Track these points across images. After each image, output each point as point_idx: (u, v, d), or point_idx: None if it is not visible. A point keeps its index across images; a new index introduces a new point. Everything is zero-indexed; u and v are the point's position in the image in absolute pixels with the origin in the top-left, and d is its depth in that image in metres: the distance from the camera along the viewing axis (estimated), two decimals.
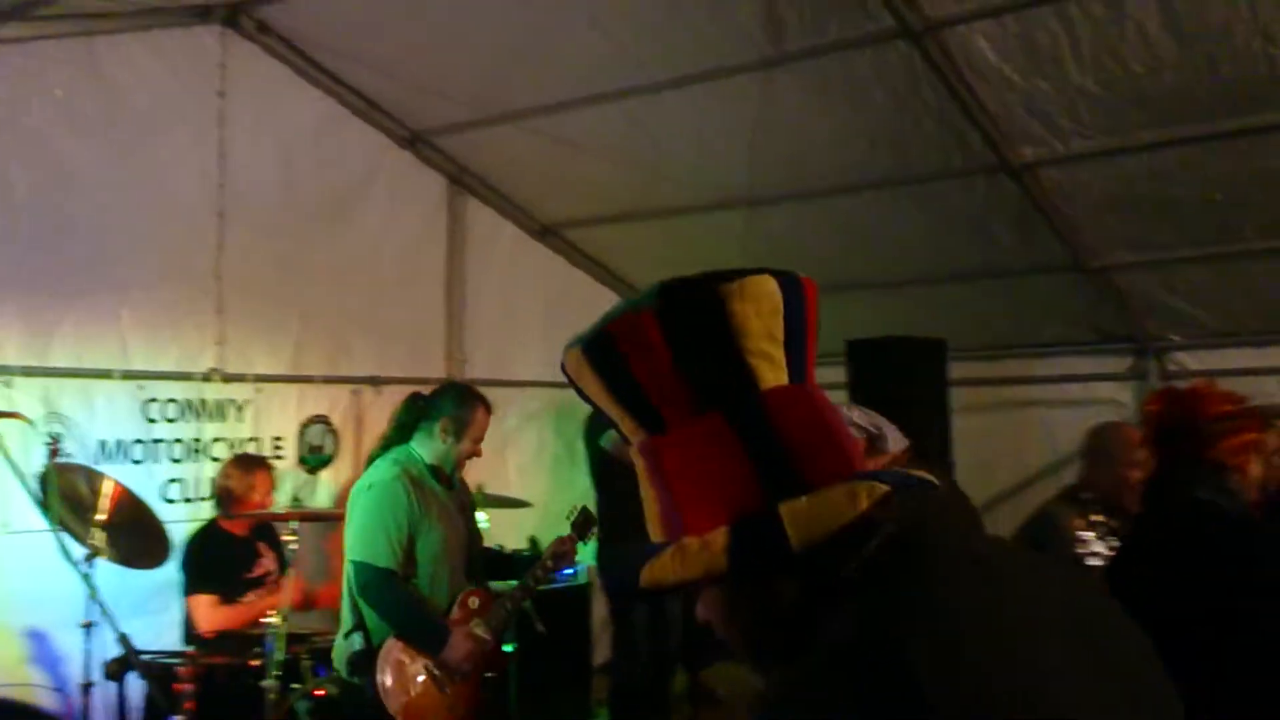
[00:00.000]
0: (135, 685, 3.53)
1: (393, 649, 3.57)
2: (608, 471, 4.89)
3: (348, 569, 3.64)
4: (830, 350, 6.18)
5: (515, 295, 6.42)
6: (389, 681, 3.52)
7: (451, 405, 3.82)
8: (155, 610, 4.30)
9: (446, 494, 3.81)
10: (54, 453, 3.96)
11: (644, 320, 1.04)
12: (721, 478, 1.02)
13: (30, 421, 3.24)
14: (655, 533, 1.09)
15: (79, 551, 3.49)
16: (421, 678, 3.56)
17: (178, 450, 4.68)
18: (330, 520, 5.11)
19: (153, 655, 3.76)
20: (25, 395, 4.01)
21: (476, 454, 3.90)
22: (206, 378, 4.78)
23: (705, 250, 6.32)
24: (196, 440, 4.76)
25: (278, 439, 5.16)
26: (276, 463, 4.99)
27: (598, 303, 6.89)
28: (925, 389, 5.14)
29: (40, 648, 3.96)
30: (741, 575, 1.01)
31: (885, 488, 0.99)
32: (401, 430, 3.84)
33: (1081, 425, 5.83)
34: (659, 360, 1.04)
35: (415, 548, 3.63)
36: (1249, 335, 5.51)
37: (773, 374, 1.04)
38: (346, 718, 3.71)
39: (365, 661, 3.55)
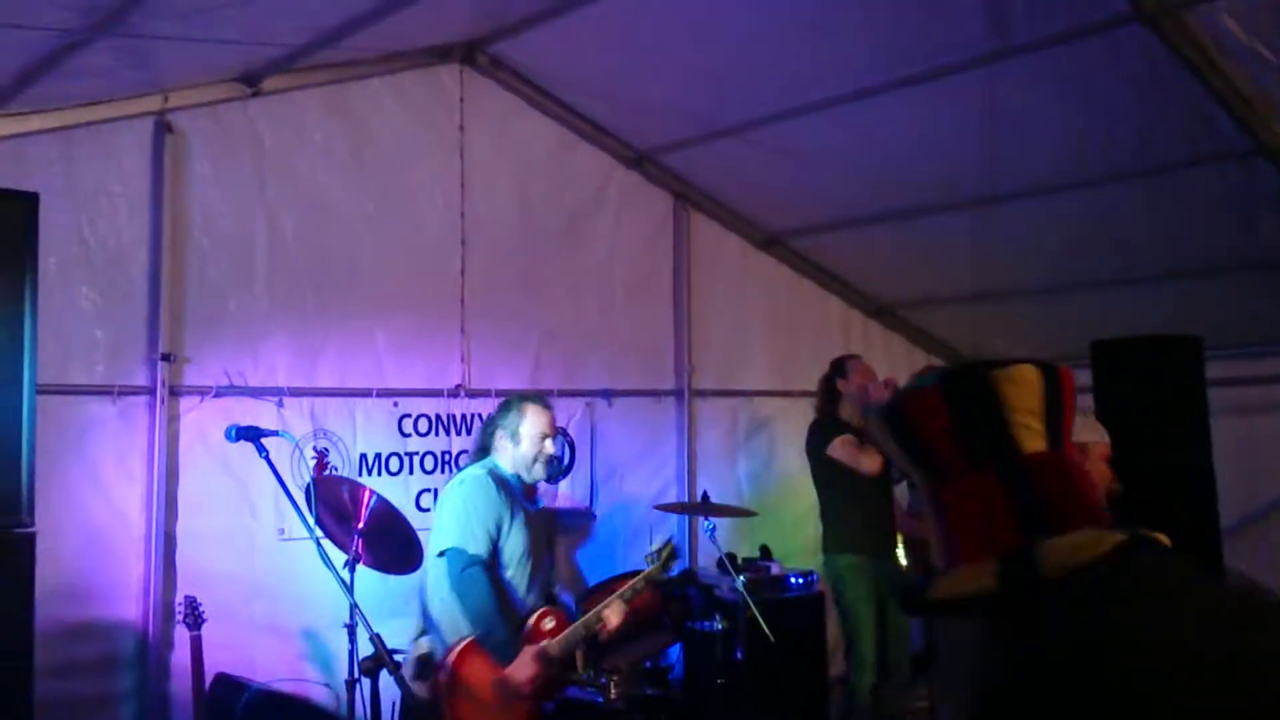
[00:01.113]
0: (388, 682, 3.79)
1: (461, 651, 3.54)
2: (832, 481, 4.87)
3: (434, 564, 3.67)
4: (1073, 352, 5.91)
5: (741, 306, 6.49)
6: (449, 684, 3.48)
7: (503, 414, 3.92)
8: (410, 613, 4.60)
9: (531, 508, 3.86)
10: (320, 466, 4.36)
11: (931, 394, 1.35)
12: (990, 521, 1.30)
13: (293, 439, 3.57)
14: (938, 560, 1.36)
15: (341, 558, 3.80)
16: (481, 687, 3.50)
17: (429, 462, 5.02)
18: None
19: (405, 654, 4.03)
20: (295, 414, 4.42)
21: (546, 452, 3.90)
22: (454, 394, 5.10)
23: (935, 252, 6.18)
24: (446, 452, 5.09)
25: None
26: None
27: (823, 310, 6.87)
28: (1178, 390, 4.81)
29: (312, 646, 4.35)
30: (1004, 596, 1.26)
31: (1121, 538, 1.24)
32: (479, 451, 3.97)
33: None
34: (942, 426, 1.33)
35: (502, 545, 3.66)
36: None
37: (1032, 441, 1.31)
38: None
39: (431, 665, 3.56)
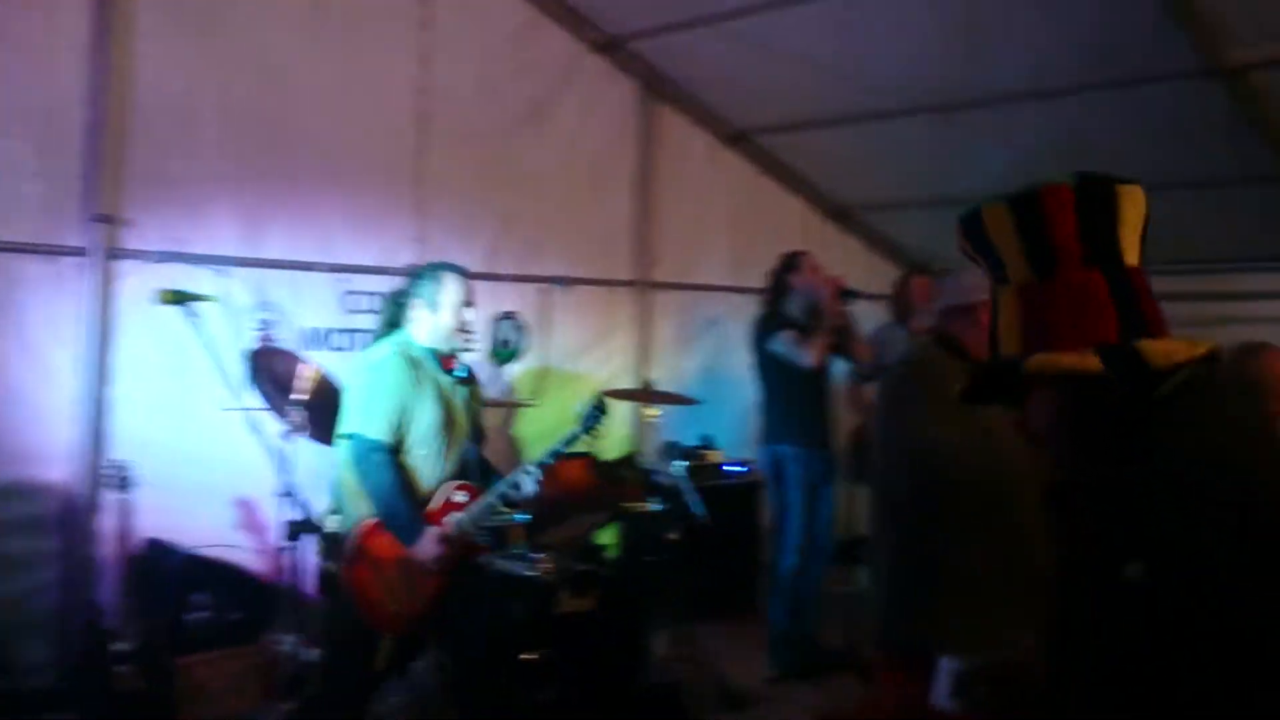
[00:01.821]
0: (312, 548, 3.89)
1: (364, 532, 3.50)
2: (773, 374, 4.97)
3: (340, 446, 3.60)
4: None
5: (704, 201, 6.50)
6: (354, 565, 3.43)
7: (418, 283, 3.74)
8: None
9: (450, 380, 3.73)
10: (263, 337, 4.41)
11: (1064, 191, 1.48)
12: (1094, 316, 1.43)
13: (226, 305, 3.54)
14: (1010, 348, 1.51)
15: (280, 428, 3.88)
16: (386, 566, 3.48)
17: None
18: (515, 408, 5.48)
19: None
20: (239, 284, 4.44)
21: (465, 320, 3.74)
22: (403, 273, 5.12)
23: (896, 156, 6.19)
24: None
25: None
26: (469, 356, 5.31)
27: (784, 209, 6.89)
28: None
29: (247, 514, 4.45)
30: (1105, 380, 1.41)
31: (1212, 344, 1.43)
32: (388, 326, 3.78)
33: None
34: (1067, 222, 1.47)
35: (408, 426, 3.57)
36: None
37: (1131, 255, 1.47)
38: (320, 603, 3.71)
39: (338, 545, 3.51)
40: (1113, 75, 4.77)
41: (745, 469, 5.97)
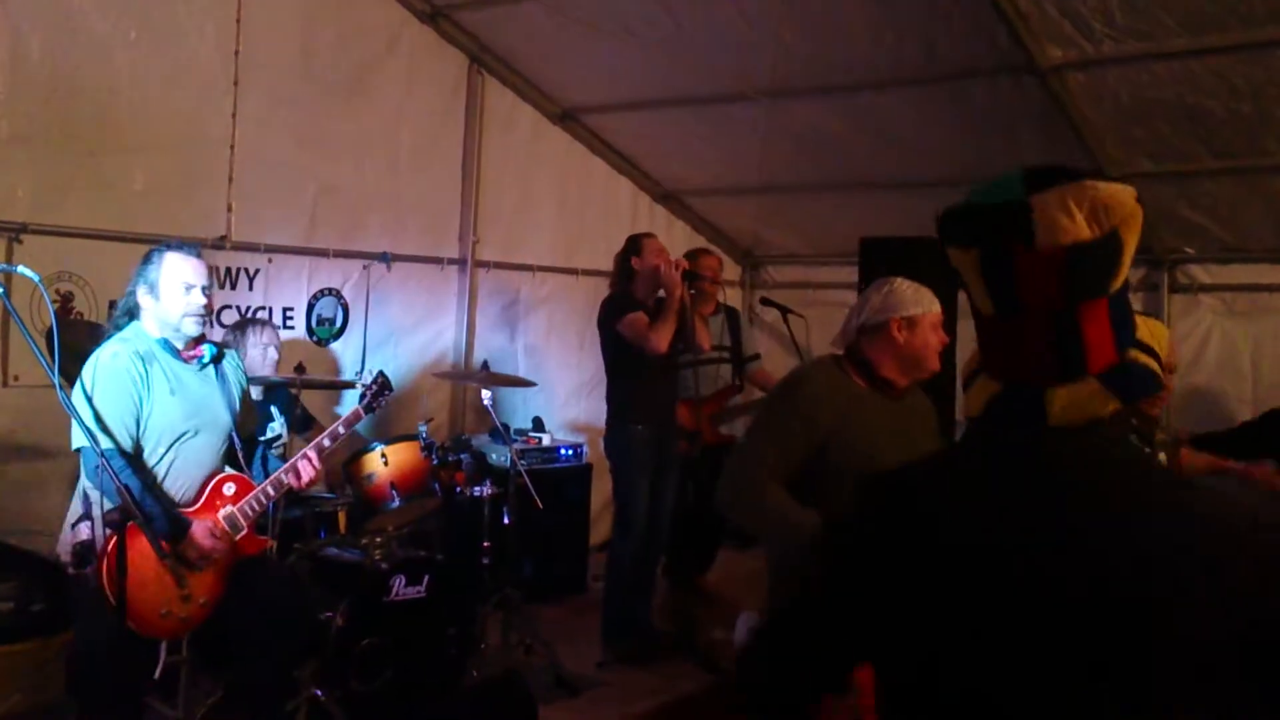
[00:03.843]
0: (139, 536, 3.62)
1: (117, 540, 3.11)
2: (622, 356, 4.93)
3: (80, 457, 3.31)
4: (845, 249, 6.16)
5: (531, 179, 6.40)
6: (113, 573, 3.04)
7: (141, 267, 3.45)
8: None
9: (190, 370, 3.49)
10: (64, 310, 4.05)
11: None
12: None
13: (35, 276, 3.26)
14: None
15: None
16: (152, 568, 3.21)
17: None
18: (336, 388, 5.25)
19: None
20: (35, 252, 4.05)
21: (194, 303, 3.42)
22: (217, 245, 4.82)
23: (724, 141, 6.26)
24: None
25: (288, 309, 5.23)
26: (286, 333, 5.07)
27: (613, 190, 6.87)
28: (935, 291, 5.10)
29: (41, 497, 4.08)
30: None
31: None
32: (125, 316, 3.48)
33: None
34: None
35: (143, 427, 3.34)
36: (1263, 251, 5.45)
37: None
38: (76, 612, 3.43)
39: (91, 552, 3.24)
40: (936, 70, 4.95)
41: (576, 451, 5.93)
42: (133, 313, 3.44)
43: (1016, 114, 4.99)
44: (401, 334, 5.78)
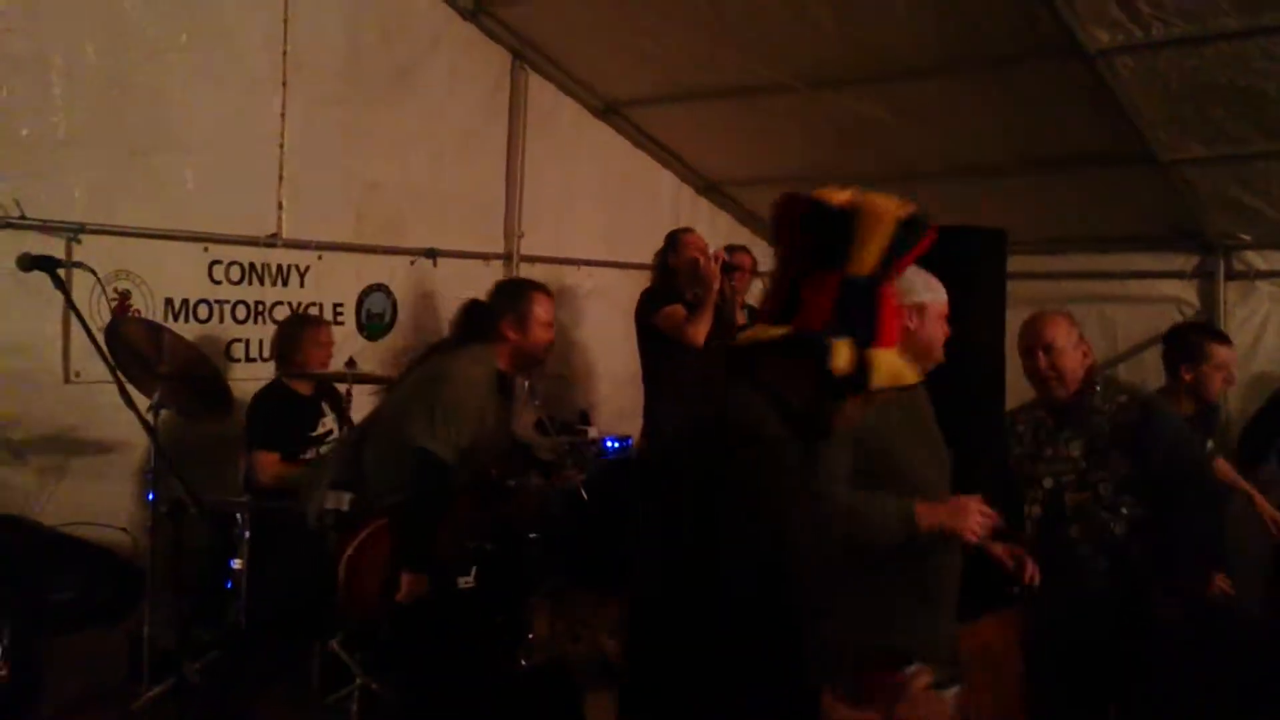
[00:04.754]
0: (194, 529, 3.71)
1: (376, 529, 3.49)
2: (655, 346, 4.94)
3: (392, 440, 3.55)
4: None
5: (574, 173, 6.43)
6: (356, 552, 3.43)
7: (505, 302, 3.80)
8: (216, 462, 4.49)
9: (505, 403, 3.83)
10: (121, 308, 4.14)
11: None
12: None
13: (94, 272, 3.33)
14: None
15: (143, 402, 3.64)
16: (379, 566, 3.46)
17: (240, 311, 4.83)
18: (388, 384, 5.30)
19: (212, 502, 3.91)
20: (92, 253, 4.12)
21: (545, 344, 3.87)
22: (269, 243, 4.89)
23: (767, 132, 6.24)
24: (259, 303, 4.90)
25: (338, 305, 5.29)
26: (338, 329, 5.14)
27: (655, 183, 6.88)
28: (982, 280, 5.06)
29: (105, 491, 4.17)
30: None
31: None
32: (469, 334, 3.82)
33: (1144, 323, 5.78)
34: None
35: (464, 450, 3.56)
36: None
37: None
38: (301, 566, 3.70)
39: (345, 522, 3.51)
40: (979, 56, 4.91)
41: (623, 444, 5.95)
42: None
43: (1063, 99, 4.94)
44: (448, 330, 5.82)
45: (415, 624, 3.51)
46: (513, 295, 3.84)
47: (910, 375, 1.85)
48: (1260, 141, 4.86)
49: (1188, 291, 5.71)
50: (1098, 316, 5.84)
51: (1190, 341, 4.16)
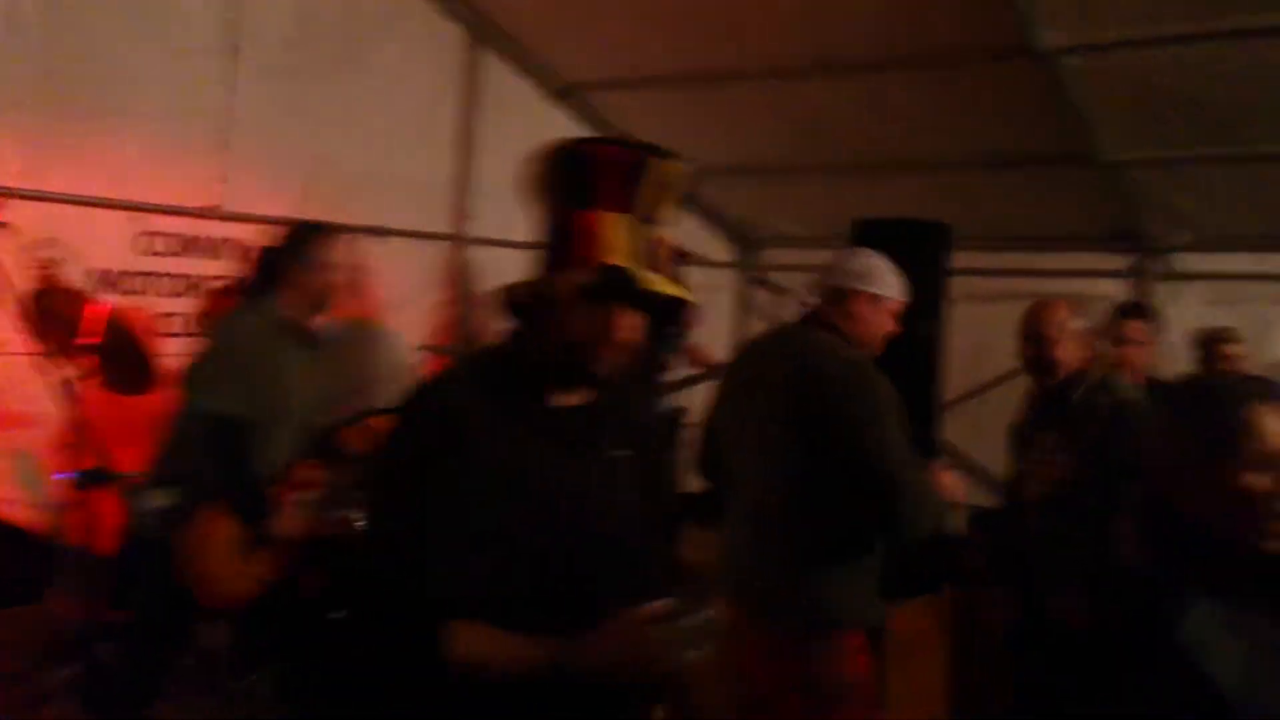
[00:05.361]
0: (111, 503, 3.64)
1: (208, 508, 3.24)
2: None
3: (185, 415, 3.35)
4: (838, 229, 6.13)
5: (528, 156, 6.34)
6: (193, 542, 3.17)
7: (293, 245, 3.53)
8: (139, 439, 4.41)
9: (306, 350, 3.52)
10: (47, 276, 4.05)
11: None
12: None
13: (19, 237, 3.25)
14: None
15: (66, 373, 3.57)
16: (228, 545, 3.23)
17: (177, 285, 4.75)
18: None
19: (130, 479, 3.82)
20: (19, 218, 4.03)
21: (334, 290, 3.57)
22: (207, 214, 4.81)
23: (725, 121, 6.22)
24: (197, 277, 4.82)
25: None
26: None
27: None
28: (925, 274, 5.08)
29: (25, 466, 4.09)
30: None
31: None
32: (258, 284, 3.55)
33: None
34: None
35: (260, 402, 3.33)
36: (1252, 240, 5.42)
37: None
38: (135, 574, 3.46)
39: (176, 518, 3.26)
40: (935, 51, 4.91)
41: None
42: (263, 285, 3.48)
43: (1014, 97, 4.95)
44: (394, 309, 5.76)
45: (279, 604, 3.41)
46: (297, 239, 3.60)
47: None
48: (1199, 146, 4.91)
49: (1122, 292, 5.77)
50: None
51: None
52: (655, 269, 1.78)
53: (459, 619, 1.69)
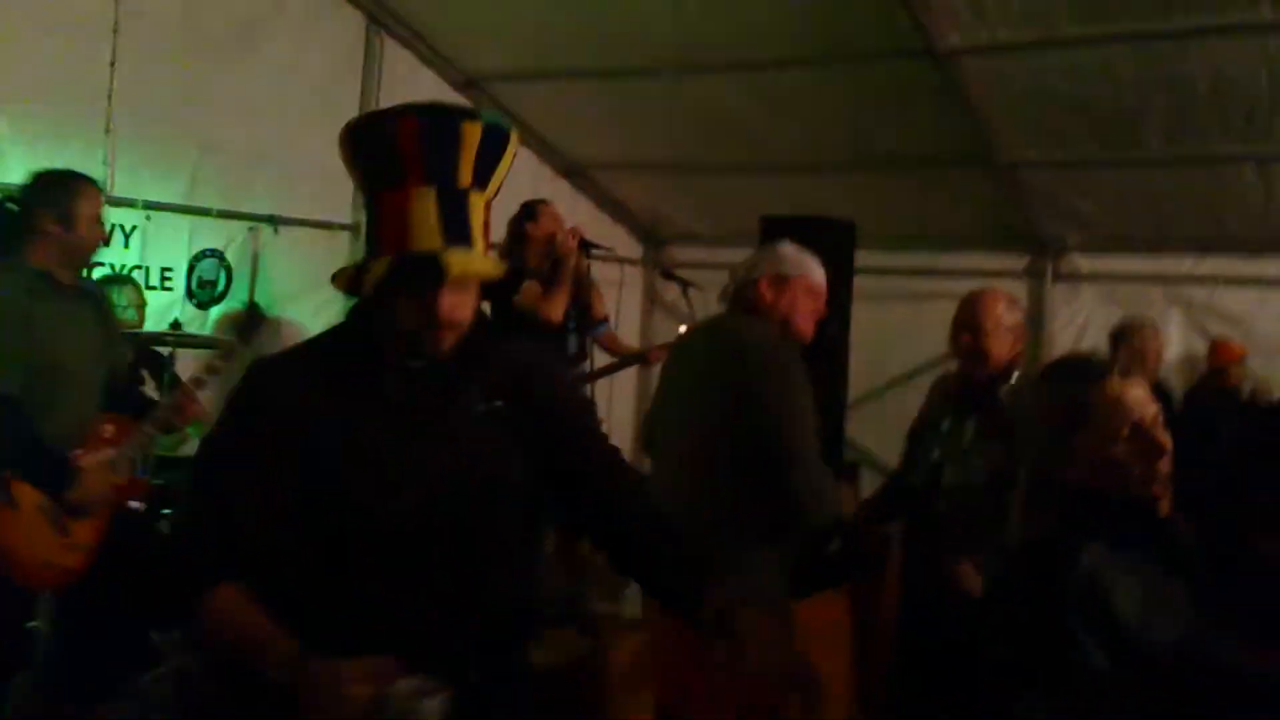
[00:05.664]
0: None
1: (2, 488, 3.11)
2: (511, 323, 4.84)
3: None
4: (747, 230, 6.15)
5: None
6: None
7: (47, 196, 3.32)
8: None
9: (71, 303, 3.35)
10: None
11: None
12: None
13: None
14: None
15: None
16: (29, 517, 3.11)
17: None
18: (211, 348, 5.05)
19: None
20: None
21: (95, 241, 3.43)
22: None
23: (632, 116, 6.19)
24: None
25: (166, 269, 5.02)
26: (165, 294, 4.89)
27: (515, 162, 6.72)
28: (832, 273, 5.12)
29: None
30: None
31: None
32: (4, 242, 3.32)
33: None
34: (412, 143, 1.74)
35: (22, 365, 3.16)
36: (1142, 241, 5.60)
37: (466, 179, 1.77)
38: None
39: None
40: (837, 50, 4.95)
41: None
42: (9, 243, 3.26)
43: (914, 98, 5.02)
44: (288, 300, 5.59)
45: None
46: (52, 187, 3.39)
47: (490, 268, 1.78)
48: (1092, 148, 5.05)
49: (1018, 291, 5.89)
50: (937, 314, 5.97)
51: None
52: (485, 240, 1.74)
53: (232, 585, 1.63)
